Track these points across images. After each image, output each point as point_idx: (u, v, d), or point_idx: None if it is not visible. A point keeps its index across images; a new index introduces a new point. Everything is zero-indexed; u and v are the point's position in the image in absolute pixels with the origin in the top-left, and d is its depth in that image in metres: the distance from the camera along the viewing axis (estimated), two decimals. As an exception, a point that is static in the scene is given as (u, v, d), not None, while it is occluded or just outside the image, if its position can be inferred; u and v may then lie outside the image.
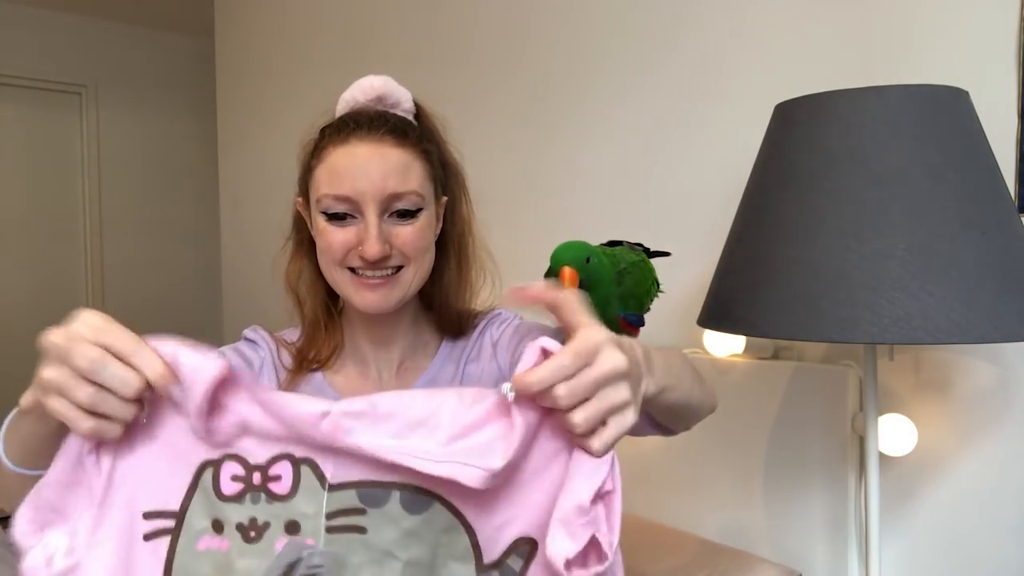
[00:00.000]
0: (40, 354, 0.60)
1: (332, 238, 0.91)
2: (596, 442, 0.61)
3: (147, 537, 0.66)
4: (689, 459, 1.57)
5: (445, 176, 0.99)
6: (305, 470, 0.65)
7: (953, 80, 1.17)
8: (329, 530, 0.64)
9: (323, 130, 0.96)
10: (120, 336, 0.61)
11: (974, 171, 0.96)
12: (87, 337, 0.60)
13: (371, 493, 0.65)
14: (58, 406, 0.61)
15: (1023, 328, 0.91)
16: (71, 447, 0.66)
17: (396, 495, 0.65)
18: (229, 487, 0.65)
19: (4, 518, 2.58)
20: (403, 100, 0.98)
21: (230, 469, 0.65)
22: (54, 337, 0.60)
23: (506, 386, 0.62)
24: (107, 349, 0.60)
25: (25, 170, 3.91)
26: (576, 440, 0.62)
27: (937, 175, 0.94)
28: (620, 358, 0.61)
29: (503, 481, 0.64)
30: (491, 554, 0.66)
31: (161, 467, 0.66)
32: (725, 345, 1.52)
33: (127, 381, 0.60)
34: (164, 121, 4.39)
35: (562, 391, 0.59)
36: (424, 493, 0.65)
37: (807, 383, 1.38)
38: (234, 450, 0.66)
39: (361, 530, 0.64)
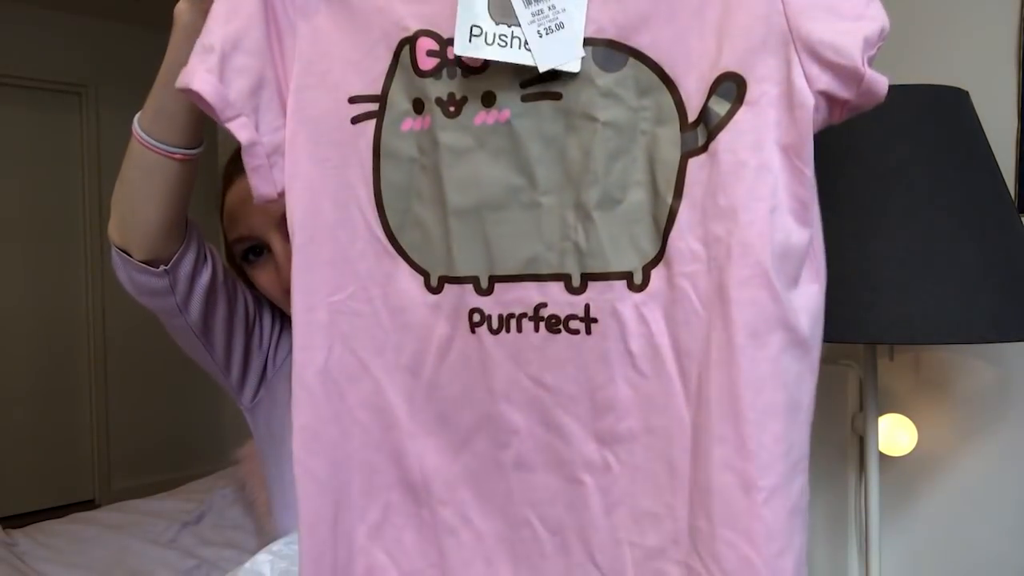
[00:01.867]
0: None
1: (258, 281, 0.97)
2: None
3: (354, 120, 0.67)
4: (689, 459, 1.57)
5: None
6: None
7: (953, 80, 1.17)
8: (524, 99, 0.63)
9: (224, 172, 1.01)
10: None
11: (974, 171, 0.96)
12: None
13: None
14: None
15: (1023, 328, 0.91)
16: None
17: (587, 51, 0.61)
18: (426, 62, 0.65)
19: (4, 518, 2.57)
20: None
21: (425, 44, 0.65)
22: None
23: None
24: None
25: (25, 170, 3.91)
26: None
27: (937, 175, 0.94)
28: None
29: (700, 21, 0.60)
30: (696, 107, 0.61)
31: (360, 52, 0.67)
32: (725, 345, 1.52)
33: None
34: (164, 121, 4.37)
35: None
36: (617, 48, 0.61)
37: (807, 383, 1.38)
38: (426, 24, 0.65)
39: (555, 96, 0.63)
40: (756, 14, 0.58)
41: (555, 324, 0.64)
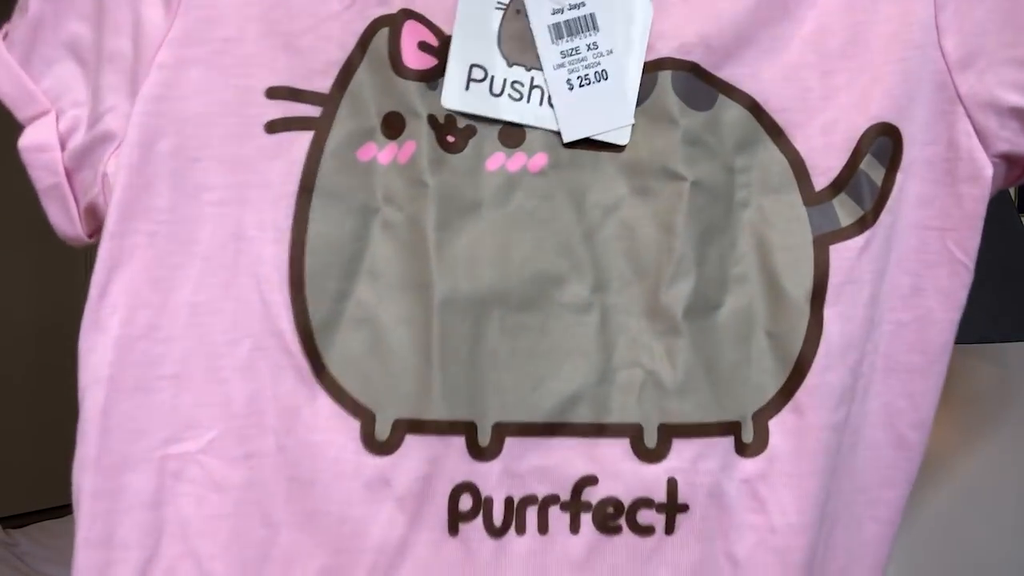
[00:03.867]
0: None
1: None
2: None
3: (272, 128, 0.41)
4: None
5: None
6: None
7: (953, 80, 1.18)
8: (569, 143, 0.42)
9: None
10: None
11: (974, 171, 0.96)
12: None
13: None
14: None
15: (1023, 328, 0.91)
16: None
17: (666, 78, 0.42)
18: (415, 57, 0.41)
19: (4, 518, 2.57)
20: None
21: (415, 32, 0.42)
22: None
23: None
24: None
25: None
26: None
27: (937, 175, 0.94)
28: None
29: (819, 51, 0.42)
30: (826, 168, 0.42)
31: (300, 20, 0.41)
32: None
33: None
34: (164, 121, 4.36)
35: None
36: (704, 79, 0.42)
37: (807, 383, 1.38)
38: (418, 5, 0.42)
39: (613, 145, 0.42)
40: (907, 42, 0.42)
41: (613, 518, 0.40)
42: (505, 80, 0.41)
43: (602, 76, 0.42)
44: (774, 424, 0.41)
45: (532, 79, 0.42)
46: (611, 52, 0.41)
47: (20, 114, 0.43)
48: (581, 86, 0.42)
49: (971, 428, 1.24)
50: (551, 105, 0.42)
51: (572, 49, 0.42)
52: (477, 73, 0.41)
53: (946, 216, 0.43)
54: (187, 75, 0.41)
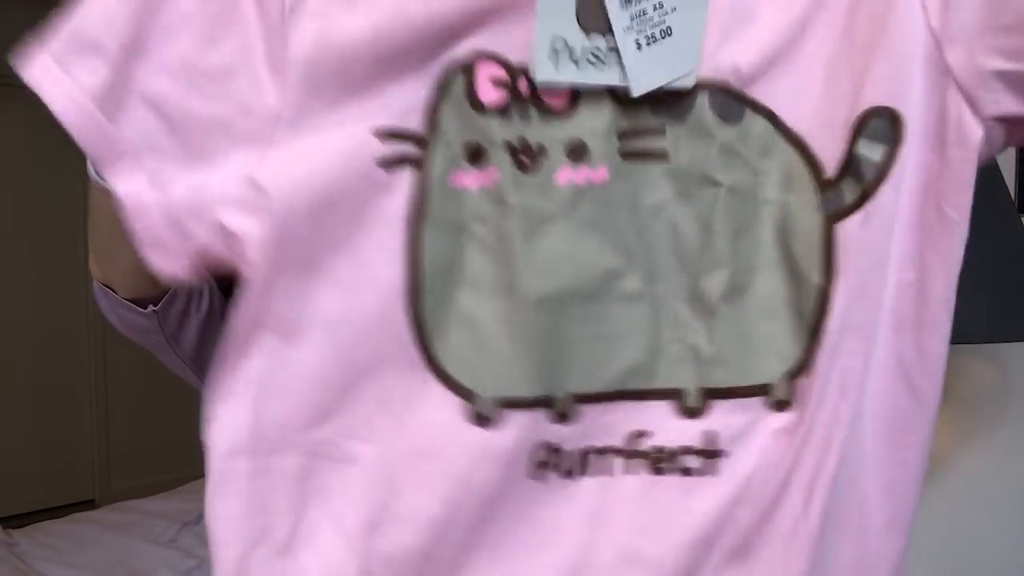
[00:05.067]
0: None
1: None
2: None
3: (386, 164, 0.47)
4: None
5: None
6: None
7: (953, 80, 1.17)
8: (624, 155, 0.48)
9: None
10: None
11: (974, 171, 0.96)
12: None
13: (669, 104, 0.48)
14: None
15: (1023, 328, 0.91)
16: None
17: (704, 97, 0.48)
18: (490, 92, 0.48)
19: (4, 518, 2.56)
20: None
21: (488, 71, 0.47)
22: None
23: None
24: None
25: (25, 170, 3.91)
26: None
27: (937, 175, 0.94)
28: None
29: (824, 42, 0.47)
30: (832, 158, 0.48)
31: (382, 65, 0.46)
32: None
33: None
34: (164, 121, 4.36)
35: None
36: (734, 97, 0.48)
37: (807, 383, 1.38)
38: (486, 44, 0.47)
39: (660, 156, 0.48)
40: (893, 30, 0.46)
41: (662, 462, 0.48)
42: (583, 48, 0.46)
43: (667, 33, 0.46)
44: (799, 383, 0.48)
45: (608, 44, 0.46)
46: (675, 9, 0.46)
47: (100, 161, 0.46)
48: (648, 44, 0.46)
49: (971, 428, 1.24)
50: (622, 66, 0.46)
51: (640, 12, 0.46)
52: (559, 44, 0.45)
53: (939, 179, 0.48)
54: (307, 141, 0.46)
